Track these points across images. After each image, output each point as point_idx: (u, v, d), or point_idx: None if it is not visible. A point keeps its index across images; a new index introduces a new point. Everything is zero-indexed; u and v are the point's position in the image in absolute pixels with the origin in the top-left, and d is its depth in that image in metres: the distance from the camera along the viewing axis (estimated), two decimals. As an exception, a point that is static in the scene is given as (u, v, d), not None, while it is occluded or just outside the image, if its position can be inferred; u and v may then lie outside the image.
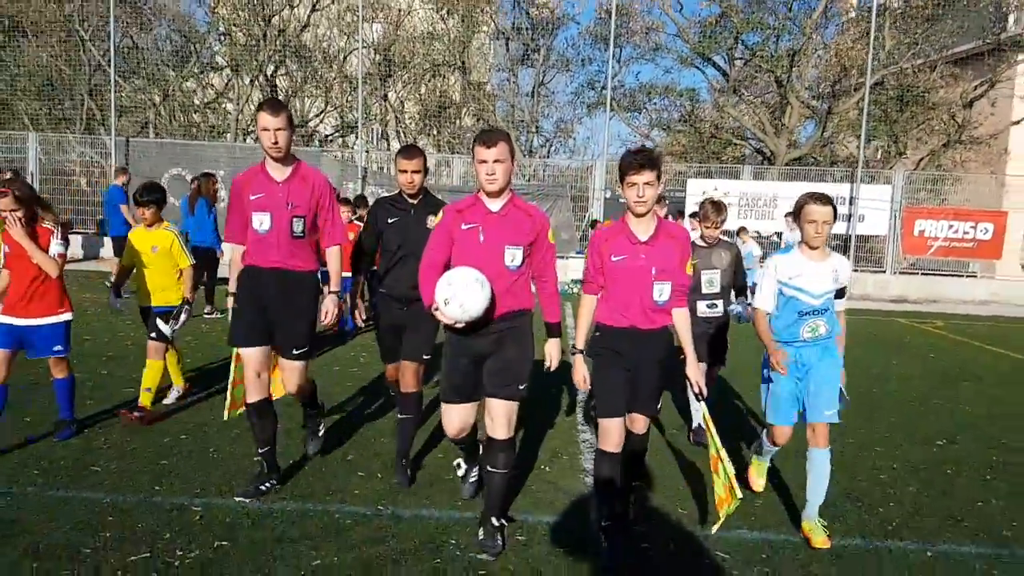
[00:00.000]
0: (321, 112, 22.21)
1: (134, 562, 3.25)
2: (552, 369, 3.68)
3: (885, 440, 5.77)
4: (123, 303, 5.73)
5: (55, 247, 4.55)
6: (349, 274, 4.94)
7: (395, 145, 21.47)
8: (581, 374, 3.67)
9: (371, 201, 7.68)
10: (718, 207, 5.38)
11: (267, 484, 4.08)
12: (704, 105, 21.75)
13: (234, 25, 20.16)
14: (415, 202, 4.37)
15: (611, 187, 17.15)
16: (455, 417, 3.66)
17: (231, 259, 4.18)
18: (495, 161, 3.42)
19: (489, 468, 3.64)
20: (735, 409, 6.53)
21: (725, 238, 5.60)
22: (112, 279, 6.03)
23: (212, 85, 22.21)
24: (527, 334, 3.62)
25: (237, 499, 3.93)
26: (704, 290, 5.38)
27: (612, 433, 3.60)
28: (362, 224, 6.01)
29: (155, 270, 5.43)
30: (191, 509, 3.81)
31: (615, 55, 20.24)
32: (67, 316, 4.75)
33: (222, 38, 20.31)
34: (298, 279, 4.05)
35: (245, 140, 19.99)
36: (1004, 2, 20.44)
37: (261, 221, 3.96)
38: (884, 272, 17.16)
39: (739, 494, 3.41)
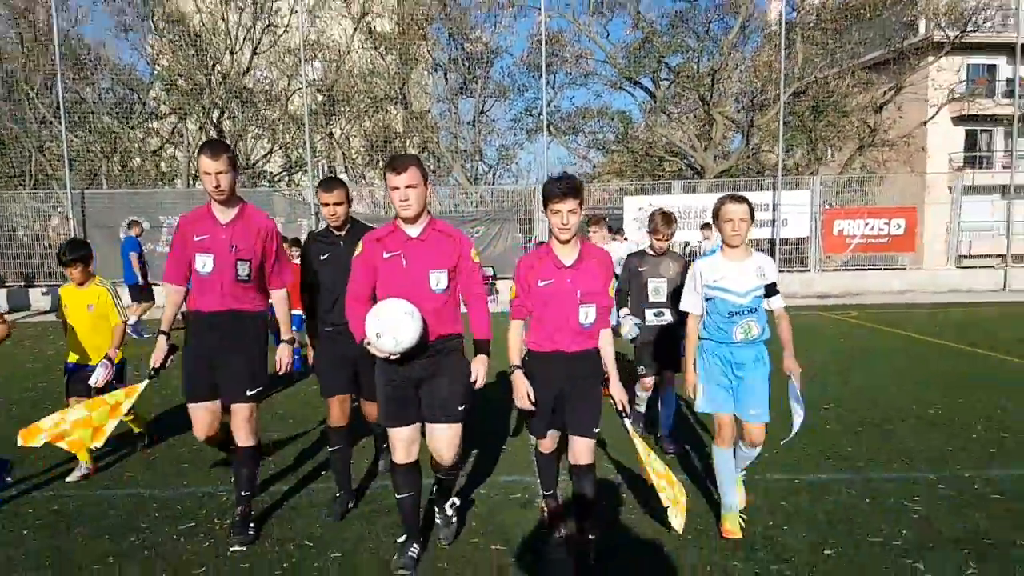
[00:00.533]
0: (268, 152, 23.07)
1: (184, 529, 4.22)
2: (478, 386, 3.70)
3: (776, 403, 6.90)
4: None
5: None
6: (300, 312, 4.90)
7: (346, 179, 22.46)
8: (523, 390, 3.68)
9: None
10: (667, 219, 5.55)
11: (249, 531, 4.07)
12: (636, 125, 23.43)
13: (178, 75, 20.95)
14: (342, 234, 4.41)
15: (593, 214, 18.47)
16: (402, 439, 3.68)
17: (165, 298, 4.21)
18: (407, 187, 3.46)
19: (438, 476, 3.99)
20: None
21: (675, 249, 5.80)
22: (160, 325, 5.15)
23: (158, 132, 22.89)
24: (460, 359, 3.70)
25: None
26: (651, 298, 5.57)
27: (546, 445, 3.90)
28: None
29: (93, 328, 5.24)
30: (217, 494, 4.76)
31: (549, 82, 21.75)
32: None
33: (167, 87, 21.02)
34: (243, 319, 4.04)
35: (195, 184, 20.72)
36: (907, 12, 22.71)
37: (204, 263, 3.96)
38: (809, 271, 18.82)
39: (683, 499, 3.72)
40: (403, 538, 3.81)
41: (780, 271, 17.57)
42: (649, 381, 5.71)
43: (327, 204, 4.35)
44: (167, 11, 20.87)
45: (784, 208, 18.51)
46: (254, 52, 21.62)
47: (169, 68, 21.24)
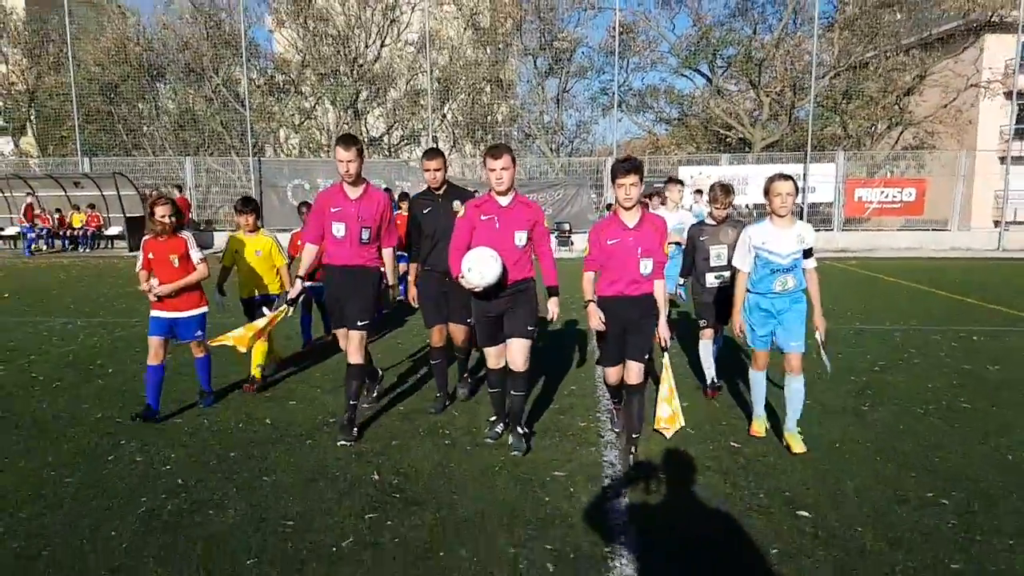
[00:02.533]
0: (389, 127, 28.93)
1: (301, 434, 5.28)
2: (553, 319, 4.90)
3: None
4: (224, 300, 6.68)
5: (196, 255, 5.69)
6: (403, 253, 6.14)
7: (445, 149, 28.25)
8: (596, 317, 4.69)
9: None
10: (727, 189, 6.05)
11: (356, 430, 5.21)
12: (695, 104, 28.21)
13: (322, 65, 26.93)
14: (440, 193, 5.64)
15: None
16: (492, 353, 5.01)
17: (302, 254, 5.37)
18: (502, 169, 4.65)
19: (512, 392, 4.90)
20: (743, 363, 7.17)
21: (734, 216, 6.27)
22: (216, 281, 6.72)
23: (302, 109, 29.06)
24: (533, 295, 4.88)
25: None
26: (713, 263, 6.09)
27: (612, 377, 4.95)
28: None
29: (257, 268, 6.57)
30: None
31: (622, 66, 26.80)
32: (205, 309, 5.82)
33: (321, 78, 27.02)
34: (364, 272, 5.22)
35: (369, 156, 27.03)
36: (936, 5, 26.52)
37: (339, 229, 5.11)
38: (832, 230, 23.45)
39: (682, 422, 4.78)
40: (493, 418, 5.25)
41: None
42: (709, 332, 6.33)
43: (428, 169, 5.62)
44: (315, 10, 26.74)
45: (813, 178, 23.13)
46: (382, 44, 27.30)
47: (315, 58, 27.22)
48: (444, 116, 27.77)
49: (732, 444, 5.10)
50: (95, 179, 23.14)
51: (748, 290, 5.01)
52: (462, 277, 4.64)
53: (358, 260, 5.21)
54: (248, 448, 5.05)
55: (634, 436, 4.80)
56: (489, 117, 28.28)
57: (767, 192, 4.84)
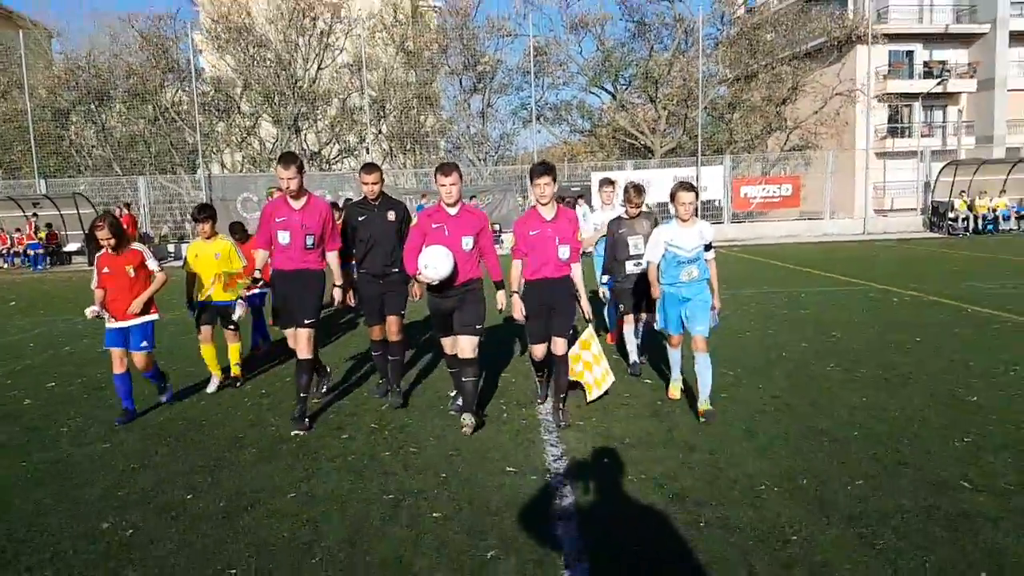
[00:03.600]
0: (328, 141, 31.71)
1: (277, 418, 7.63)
2: (501, 309, 5.79)
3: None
4: (194, 315, 7.09)
5: (153, 264, 6.16)
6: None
7: (386, 162, 31.24)
8: (519, 308, 5.60)
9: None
10: (639, 190, 6.81)
11: (307, 420, 5.85)
12: (602, 117, 32.03)
13: (263, 87, 29.56)
14: (376, 203, 6.29)
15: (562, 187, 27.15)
16: (447, 343, 5.87)
17: (258, 258, 6.11)
18: (451, 184, 5.44)
19: (463, 379, 5.67)
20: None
21: (644, 210, 7.04)
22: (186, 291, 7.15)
23: (243, 127, 31.51)
24: (480, 295, 5.68)
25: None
26: (631, 252, 6.84)
27: (538, 352, 5.81)
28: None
29: (216, 271, 6.91)
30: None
31: (538, 84, 30.35)
32: (154, 317, 6.22)
33: (264, 99, 29.60)
34: (309, 275, 5.93)
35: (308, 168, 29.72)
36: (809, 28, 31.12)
37: (284, 237, 5.81)
38: (723, 223, 27.50)
39: (612, 378, 6.10)
40: (453, 393, 6.17)
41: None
42: (630, 317, 7.14)
43: (367, 183, 6.22)
44: (255, 38, 29.31)
45: (704, 178, 27.12)
46: (319, 67, 30.10)
47: (255, 80, 29.81)
48: (379, 131, 30.72)
49: (661, 422, 5.68)
50: (53, 200, 25.14)
51: (660, 281, 5.89)
52: (421, 272, 5.40)
53: (303, 264, 5.87)
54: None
55: (561, 395, 5.80)
56: (420, 131, 31.34)
57: (673, 199, 5.70)
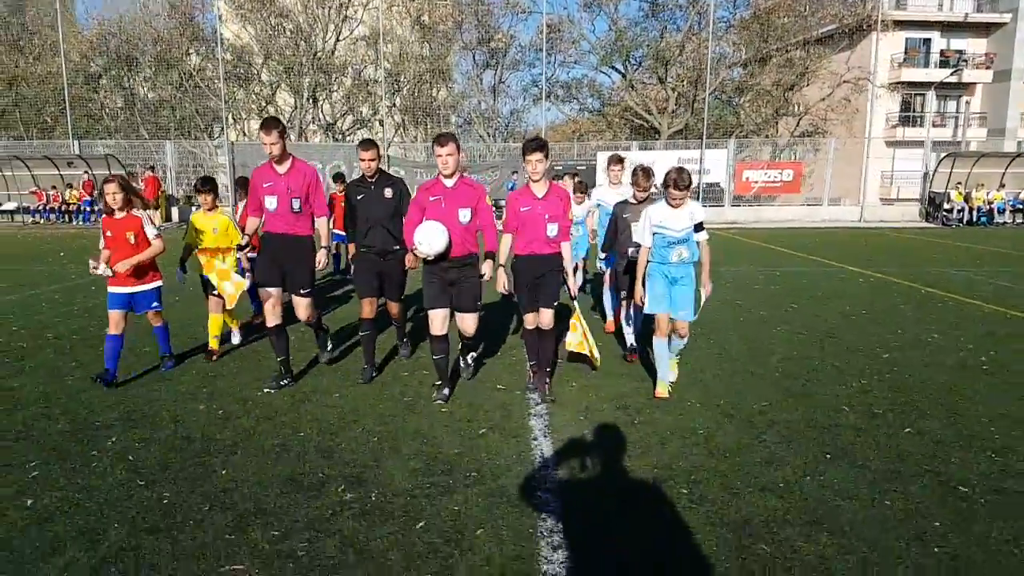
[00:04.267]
0: (344, 113, 32.96)
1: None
2: (487, 278, 5.77)
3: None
4: (185, 276, 7.25)
5: (152, 231, 6.22)
6: (341, 232, 7.95)
7: (400, 134, 32.47)
8: (502, 281, 5.81)
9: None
10: (647, 173, 6.77)
11: (284, 381, 6.20)
12: (612, 96, 33.11)
13: (281, 56, 30.81)
14: (374, 180, 6.42)
15: (553, 160, 28.36)
16: (437, 317, 5.84)
17: (250, 226, 6.31)
18: (448, 155, 5.52)
19: (463, 343, 6.26)
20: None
21: (654, 195, 6.81)
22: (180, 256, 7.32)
23: (265, 97, 32.82)
24: (477, 271, 5.81)
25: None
26: (635, 238, 6.63)
27: (529, 320, 5.97)
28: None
29: (215, 245, 7.06)
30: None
31: (549, 61, 31.39)
32: (160, 283, 6.44)
33: (286, 70, 30.88)
34: (298, 241, 6.12)
35: (303, 139, 30.88)
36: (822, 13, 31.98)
37: (271, 202, 6.02)
38: (723, 206, 28.63)
39: (596, 356, 6.24)
40: (438, 382, 6.04)
41: (703, 206, 27.17)
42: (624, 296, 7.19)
43: (363, 160, 6.37)
44: (277, 8, 30.49)
45: (707, 161, 28.22)
46: (337, 39, 31.25)
47: (275, 50, 31.04)
48: (394, 104, 31.93)
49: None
50: (87, 160, 26.58)
51: (649, 260, 5.97)
52: (416, 248, 5.54)
53: (292, 230, 6.11)
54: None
55: (547, 369, 6.05)
56: (432, 104, 32.52)
57: (665, 187, 5.80)
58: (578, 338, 6.32)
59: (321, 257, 6.29)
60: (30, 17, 31.79)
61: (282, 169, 6.05)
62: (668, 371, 6.09)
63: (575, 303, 6.33)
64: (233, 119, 31.23)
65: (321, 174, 10.91)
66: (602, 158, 28.26)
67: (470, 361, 6.49)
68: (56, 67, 29.83)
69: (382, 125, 32.63)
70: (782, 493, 4.14)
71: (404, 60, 31.47)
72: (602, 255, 7.73)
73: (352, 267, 6.80)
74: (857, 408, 5.67)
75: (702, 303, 6.04)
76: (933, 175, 28.47)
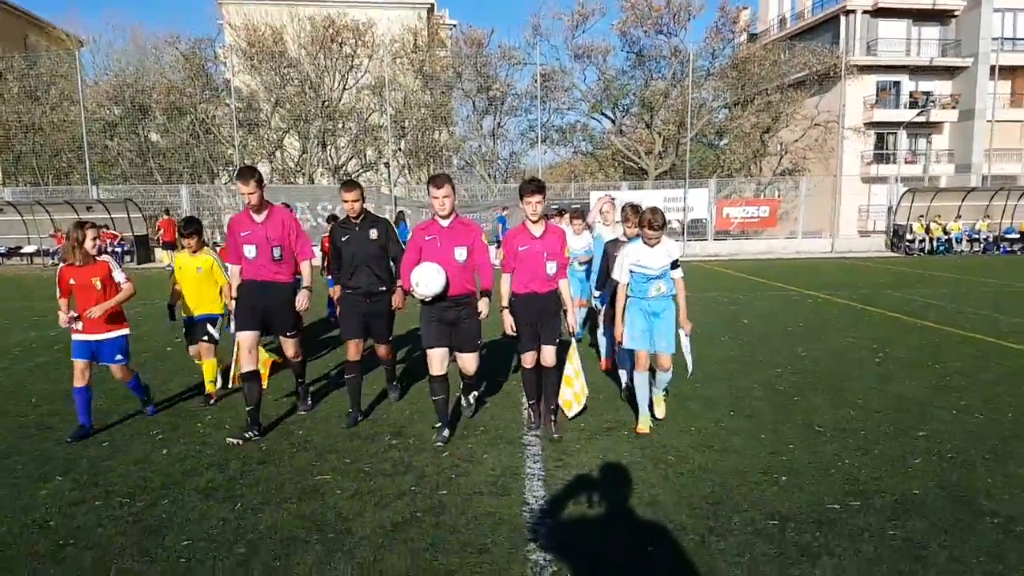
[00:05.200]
0: (350, 157, 35.47)
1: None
2: (484, 316, 5.96)
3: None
4: (173, 323, 7.48)
5: (120, 275, 6.15)
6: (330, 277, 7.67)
7: (408, 177, 34.96)
8: (509, 323, 5.93)
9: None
10: (636, 209, 6.98)
11: (249, 432, 6.01)
12: (603, 140, 35.79)
13: (290, 103, 33.41)
14: (358, 222, 6.47)
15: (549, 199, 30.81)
16: (437, 357, 5.86)
17: (231, 273, 6.39)
18: (444, 196, 5.69)
19: (464, 382, 6.44)
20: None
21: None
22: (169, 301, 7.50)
23: (274, 142, 35.34)
24: (476, 311, 5.94)
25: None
26: (613, 275, 6.64)
27: (528, 360, 6.13)
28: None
29: (199, 287, 7.11)
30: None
31: (544, 108, 34.05)
32: (126, 331, 6.28)
33: (296, 118, 33.46)
34: (281, 287, 6.19)
35: (313, 181, 33.38)
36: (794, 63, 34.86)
37: (250, 251, 6.03)
38: (706, 239, 31.07)
39: (584, 399, 6.30)
40: (438, 424, 6.09)
41: (688, 240, 29.85)
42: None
43: (347, 200, 6.39)
44: (287, 60, 33.16)
45: (691, 199, 30.73)
46: (343, 88, 33.90)
47: (285, 98, 33.66)
48: (399, 148, 34.50)
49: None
50: (106, 204, 28.89)
51: (629, 296, 6.21)
52: (413, 289, 5.65)
53: (273, 276, 6.13)
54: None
55: (552, 407, 6.17)
56: (435, 148, 35.06)
57: (640, 227, 6.06)
58: (571, 392, 6.34)
59: (302, 298, 6.28)
60: (46, 68, 34.29)
61: (260, 218, 6.09)
62: (648, 407, 6.26)
63: (573, 342, 6.46)
64: (245, 164, 33.70)
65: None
66: (594, 197, 30.76)
67: (472, 400, 6.70)
68: (72, 115, 32.36)
69: (387, 167, 35.10)
70: (694, 434, 6.32)
71: (408, 107, 34.04)
72: (596, 293, 7.99)
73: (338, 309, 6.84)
74: (765, 386, 7.90)
75: (682, 342, 6.29)
76: (896, 208, 31.03)
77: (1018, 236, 30.41)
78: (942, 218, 29.98)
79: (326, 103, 33.53)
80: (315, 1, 38.43)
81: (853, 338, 10.63)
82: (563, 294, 6.14)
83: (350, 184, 6.49)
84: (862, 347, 9.96)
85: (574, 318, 6.33)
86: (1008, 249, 30.12)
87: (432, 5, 44.19)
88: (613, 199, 9.14)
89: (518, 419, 6.70)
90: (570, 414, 6.41)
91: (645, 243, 6.06)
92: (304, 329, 7.85)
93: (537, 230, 6.00)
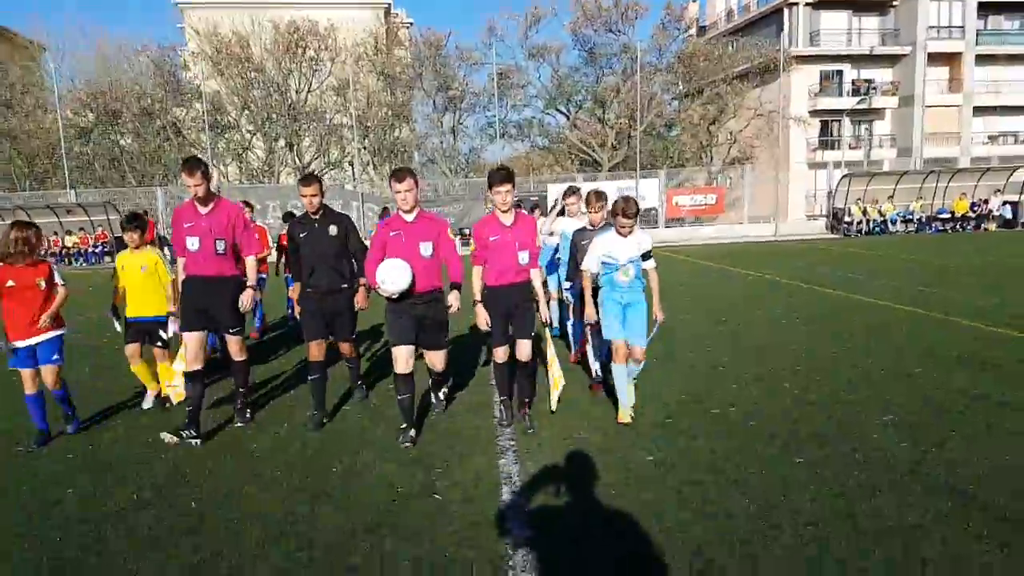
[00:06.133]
0: (315, 157, 37.12)
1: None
2: (453, 310, 5.80)
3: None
4: (120, 327, 7.12)
5: (59, 278, 6.03)
6: (265, 275, 8.18)
7: (370, 174, 36.68)
8: (483, 318, 5.83)
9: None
10: (599, 195, 6.98)
11: (187, 432, 5.86)
12: (558, 134, 37.92)
13: (256, 106, 34.96)
14: (317, 217, 6.32)
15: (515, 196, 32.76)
16: (403, 354, 5.72)
17: (177, 267, 6.19)
18: (406, 191, 5.59)
19: (434, 379, 6.38)
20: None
21: (609, 221, 6.65)
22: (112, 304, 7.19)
23: (242, 144, 36.83)
24: (444, 308, 5.84)
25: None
26: (582, 264, 6.54)
27: (500, 354, 6.00)
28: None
29: (143, 285, 6.79)
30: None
31: (502, 104, 36.01)
32: (63, 331, 6.10)
33: (264, 119, 35.04)
34: (223, 281, 6.01)
35: (279, 180, 34.97)
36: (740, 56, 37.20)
37: (193, 243, 5.87)
38: (658, 227, 33.26)
39: (563, 382, 6.11)
40: (404, 425, 5.86)
41: (639, 228, 31.70)
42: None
43: (305, 195, 6.24)
44: (253, 64, 34.67)
45: (642, 189, 32.89)
46: (308, 90, 35.52)
47: (252, 101, 35.20)
48: (363, 146, 36.20)
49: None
50: (85, 207, 30.27)
51: (600, 287, 6.20)
52: (379, 286, 5.57)
53: (216, 271, 5.98)
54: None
55: (526, 400, 6.15)
56: (397, 145, 36.81)
57: (614, 215, 6.03)
58: (554, 380, 6.22)
59: (246, 297, 6.17)
60: (17, 77, 35.44)
61: (205, 209, 5.94)
62: (627, 397, 6.14)
63: (547, 331, 6.43)
64: (215, 165, 35.12)
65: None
66: (553, 189, 32.80)
67: (442, 396, 6.63)
68: (45, 123, 33.56)
69: (351, 166, 36.71)
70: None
71: (370, 106, 35.72)
72: (567, 284, 7.91)
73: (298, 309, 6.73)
74: (695, 350, 9.07)
75: (654, 332, 6.27)
76: (835, 193, 33.48)
77: (949, 216, 32.95)
78: (877, 202, 32.47)
79: (292, 105, 35.08)
80: (275, 3, 39.95)
81: (779, 308, 12.19)
82: (536, 284, 6.06)
83: (308, 178, 6.37)
84: (782, 315, 11.53)
85: (545, 308, 6.27)
86: (940, 228, 32.66)
87: (389, 5, 45.80)
88: (577, 190, 8.78)
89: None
90: (552, 407, 6.28)
91: (618, 232, 6.03)
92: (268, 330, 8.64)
93: (507, 219, 5.90)
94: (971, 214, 32.69)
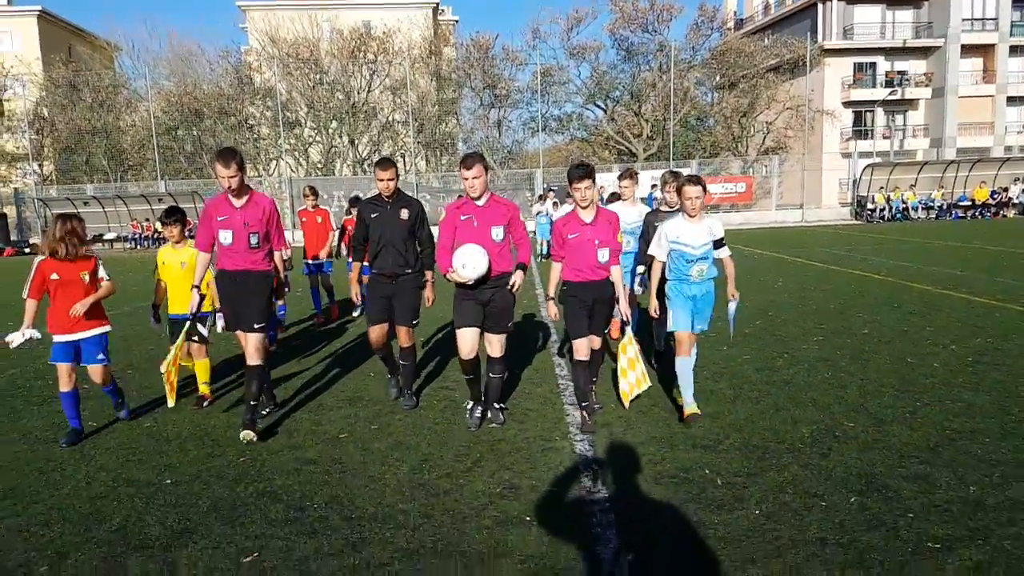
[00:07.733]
0: (372, 150, 40.89)
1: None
2: (515, 288, 5.78)
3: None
4: (159, 325, 7.14)
5: (103, 271, 5.97)
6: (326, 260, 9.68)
7: (420, 165, 40.33)
8: (554, 311, 5.96)
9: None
10: (676, 175, 7.05)
11: (265, 410, 6.27)
12: (596, 127, 41.11)
13: (320, 105, 38.88)
14: (390, 200, 6.39)
15: (546, 182, 35.91)
16: (468, 338, 5.86)
17: (197, 261, 5.98)
18: (474, 178, 5.65)
19: (490, 375, 6.00)
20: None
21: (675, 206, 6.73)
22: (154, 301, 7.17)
23: (307, 140, 40.80)
24: (510, 294, 5.82)
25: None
26: (650, 251, 6.39)
27: (581, 348, 5.90)
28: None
29: (185, 282, 6.61)
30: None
31: (544, 100, 39.31)
32: (107, 328, 6.06)
33: (330, 116, 38.98)
34: (255, 277, 5.94)
35: (355, 173, 38.97)
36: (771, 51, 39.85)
37: (226, 237, 5.79)
38: (690, 213, 36.11)
39: (649, 383, 5.96)
40: (470, 405, 6.17)
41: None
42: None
43: (382, 179, 6.31)
44: (320, 67, 38.55)
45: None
46: (368, 90, 39.29)
47: (318, 100, 39.12)
48: (417, 141, 39.87)
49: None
50: (175, 196, 34.42)
51: (667, 279, 6.02)
52: (454, 272, 5.63)
53: (248, 265, 5.92)
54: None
55: (592, 383, 6.20)
56: (446, 140, 40.39)
57: (679, 193, 5.93)
58: (627, 384, 6.11)
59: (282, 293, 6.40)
60: (111, 78, 39.94)
61: (239, 203, 5.84)
62: (691, 392, 5.96)
63: (627, 330, 6.18)
64: (281, 159, 39.18)
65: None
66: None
67: (498, 407, 6.23)
68: (132, 120, 37.89)
69: (403, 159, 40.27)
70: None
71: (423, 104, 39.30)
72: (640, 269, 7.54)
73: (362, 295, 6.77)
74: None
75: (732, 315, 6.18)
76: (859, 181, 35.96)
77: (970, 204, 35.15)
78: (899, 190, 34.90)
79: (353, 104, 38.83)
80: (332, 5, 43.76)
81: (794, 285, 13.86)
82: (615, 281, 5.93)
83: (385, 162, 6.34)
84: (797, 289, 13.11)
85: (626, 305, 6.06)
86: (960, 215, 34.91)
87: (436, 4, 49.38)
88: (635, 173, 8.58)
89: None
90: (626, 404, 6.24)
91: (688, 214, 5.82)
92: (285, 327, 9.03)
93: (588, 216, 5.81)
94: (991, 201, 34.81)
